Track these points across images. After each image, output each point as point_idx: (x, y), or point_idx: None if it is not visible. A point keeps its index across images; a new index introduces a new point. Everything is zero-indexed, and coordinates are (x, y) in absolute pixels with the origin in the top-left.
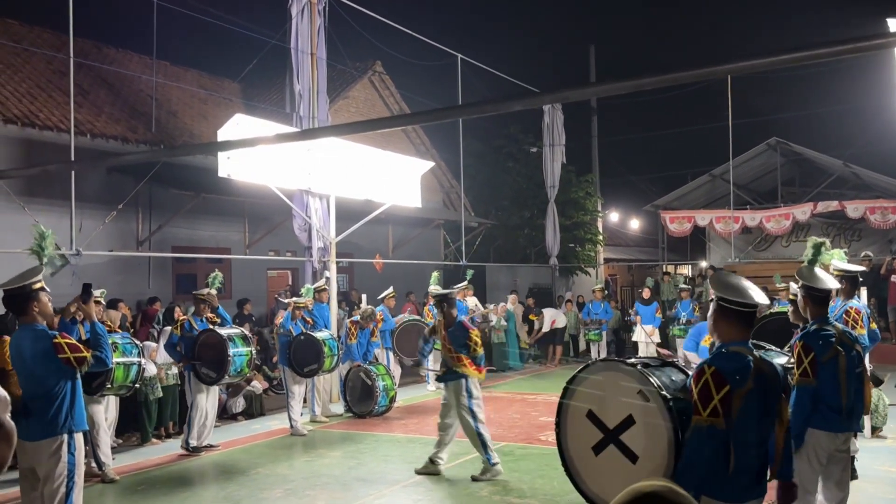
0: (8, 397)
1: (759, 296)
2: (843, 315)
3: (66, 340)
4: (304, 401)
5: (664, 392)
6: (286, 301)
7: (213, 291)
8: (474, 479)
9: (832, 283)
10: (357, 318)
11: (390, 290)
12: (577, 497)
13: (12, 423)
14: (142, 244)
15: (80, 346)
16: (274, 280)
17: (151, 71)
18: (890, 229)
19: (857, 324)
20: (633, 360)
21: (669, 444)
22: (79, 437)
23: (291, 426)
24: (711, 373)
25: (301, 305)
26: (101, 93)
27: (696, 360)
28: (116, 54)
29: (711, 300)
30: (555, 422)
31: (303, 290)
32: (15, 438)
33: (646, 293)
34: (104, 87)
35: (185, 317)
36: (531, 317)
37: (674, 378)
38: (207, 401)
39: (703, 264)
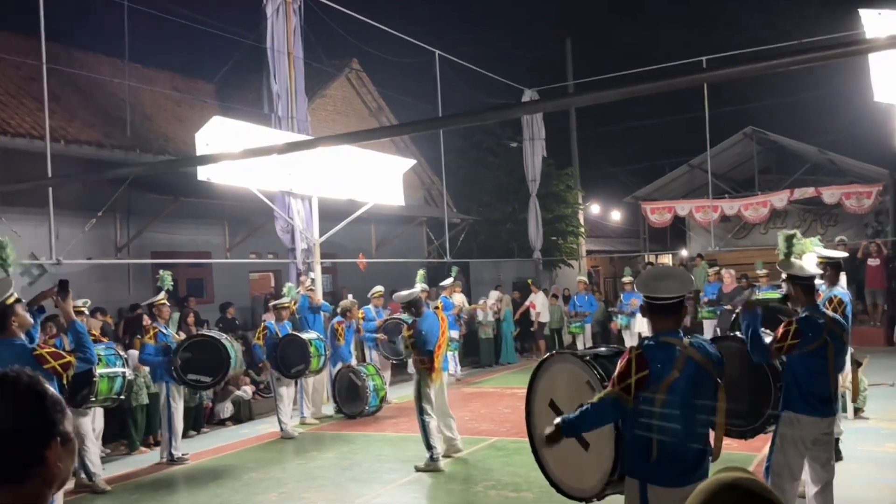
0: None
1: (675, 286)
2: (826, 304)
3: (47, 350)
4: (294, 403)
5: (606, 382)
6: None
7: (163, 297)
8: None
9: (813, 268)
10: (339, 318)
11: (379, 288)
12: None
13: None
14: (121, 251)
15: (62, 352)
16: (256, 283)
17: (123, 74)
18: (865, 214)
19: (839, 312)
20: (584, 351)
21: (610, 430)
22: None
23: (282, 429)
24: (636, 355)
25: (284, 306)
26: (73, 97)
27: None
28: (86, 57)
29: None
30: (525, 411)
31: (285, 290)
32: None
33: (628, 286)
34: (75, 91)
35: (156, 328)
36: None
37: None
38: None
39: (684, 253)
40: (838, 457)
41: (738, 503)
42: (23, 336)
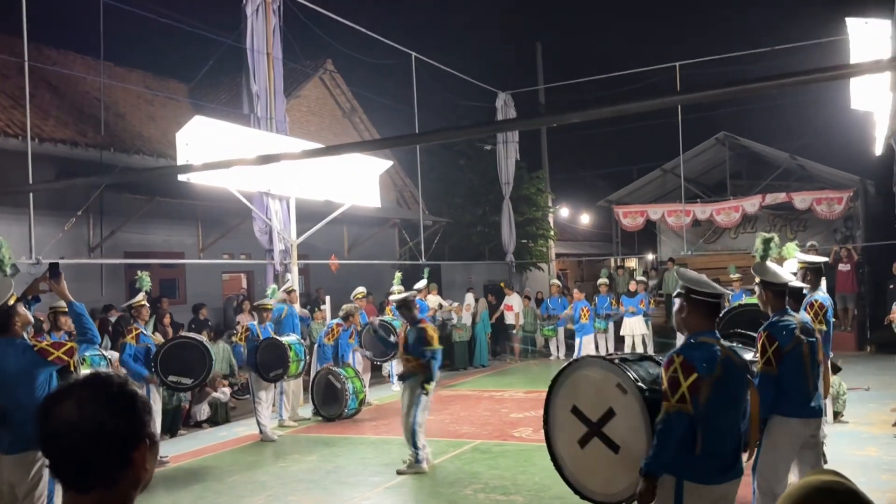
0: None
1: (717, 288)
2: (808, 308)
3: (46, 343)
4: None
5: (640, 384)
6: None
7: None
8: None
9: (786, 276)
10: (339, 319)
11: (361, 289)
12: (560, 491)
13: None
14: (93, 250)
15: (61, 340)
16: (227, 284)
17: (96, 72)
18: (835, 220)
19: (818, 318)
20: (612, 355)
21: (646, 432)
22: None
23: (261, 431)
24: (680, 362)
25: (267, 307)
26: (47, 96)
27: None
28: (58, 55)
29: (678, 293)
30: (543, 418)
31: (268, 291)
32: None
33: (632, 286)
34: (48, 89)
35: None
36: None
37: (651, 371)
38: None
39: (650, 257)
40: (824, 459)
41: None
42: (25, 335)
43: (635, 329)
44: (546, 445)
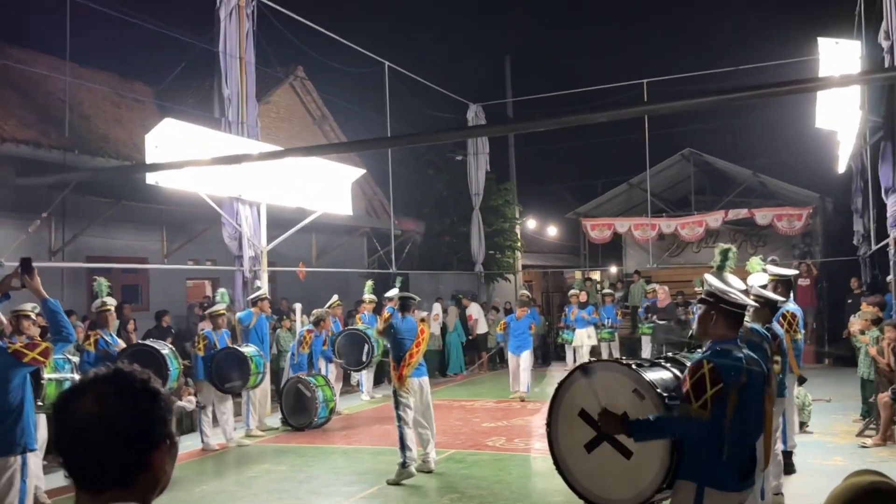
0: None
1: (746, 298)
2: (780, 318)
3: (19, 345)
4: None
5: (659, 390)
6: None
7: (108, 301)
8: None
9: (745, 298)
10: (311, 326)
11: (335, 298)
12: (537, 500)
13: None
14: (55, 254)
15: (35, 341)
16: (192, 290)
17: (61, 72)
18: (794, 235)
19: (792, 328)
20: (625, 360)
21: (664, 441)
22: (31, 459)
23: (203, 441)
24: (709, 369)
25: (220, 313)
26: (9, 95)
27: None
28: (20, 54)
29: (703, 300)
30: (546, 422)
31: (218, 296)
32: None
33: (583, 296)
34: (10, 88)
35: (95, 334)
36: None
37: (663, 377)
38: None
39: (613, 269)
40: (792, 470)
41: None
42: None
43: (584, 340)
44: (549, 450)
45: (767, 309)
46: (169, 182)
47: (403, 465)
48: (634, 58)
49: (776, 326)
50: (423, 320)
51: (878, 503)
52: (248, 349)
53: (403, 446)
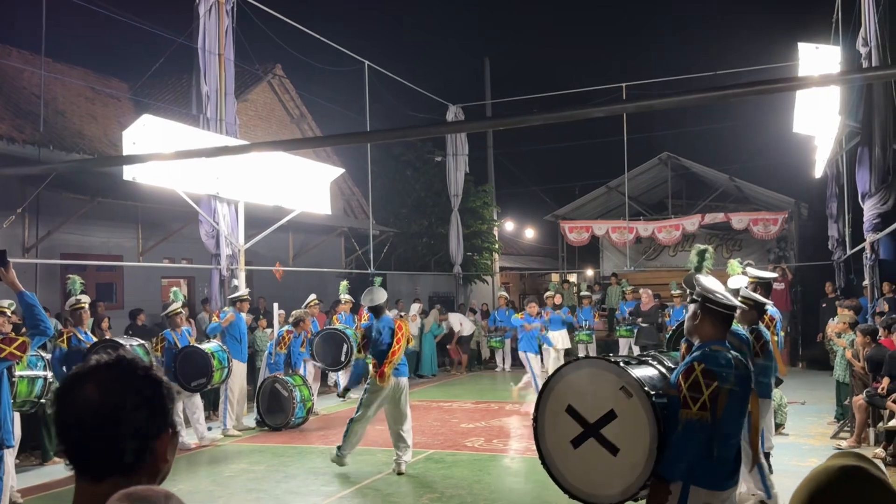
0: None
1: (733, 298)
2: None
3: None
4: (213, 414)
5: (646, 388)
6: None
7: (82, 298)
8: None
9: (732, 299)
10: (290, 326)
11: (312, 297)
12: (516, 499)
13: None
14: (28, 251)
15: (10, 335)
16: (167, 289)
17: (35, 67)
18: (769, 240)
19: (770, 330)
20: (614, 357)
21: (651, 437)
22: (7, 456)
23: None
24: (701, 370)
25: (177, 312)
26: None
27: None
28: None
29: (694, 301)
30: (533, 416)
31: (171, 296)
32: None
33: (557, 299)
34: None
35: (68, 331)
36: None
37: (650, 374)
38: None
39: (590, 272)
40: (769, 470)
41: (859, 490)
42: None
43: (558, 342)
44: (535, 445)
45: (754, 311)
46: (146, 178)
47: (338, 454)
48: (615, 63)
49: (763, 329)
50: (401, 317)
51: (848, 488)
52: (209, 345)
53: (345, 437)
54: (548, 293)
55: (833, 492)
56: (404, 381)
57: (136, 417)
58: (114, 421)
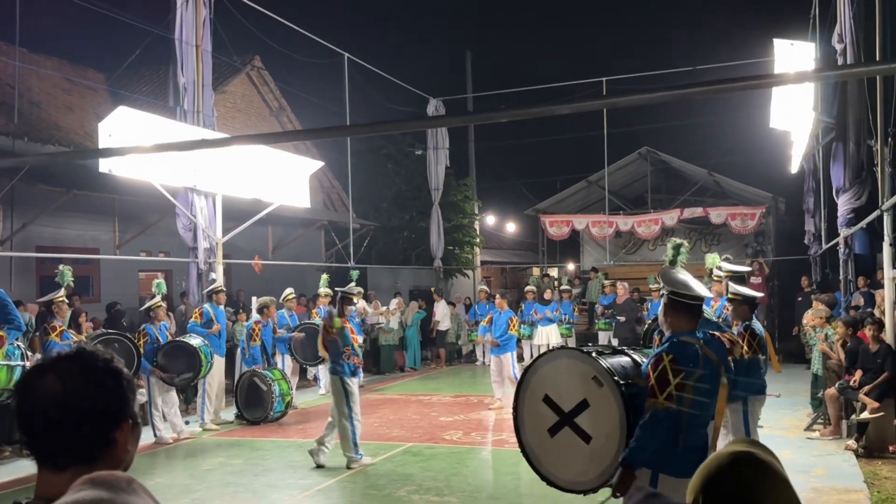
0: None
1: (702, 290)
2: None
3: None
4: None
5: (616, 377)
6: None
7: (63, 294)
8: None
9: (702, 289)
10: (256, 317)
11: (290, 290)
12: (494, 492)
13: None
14: (3, 244)
15: None
16: (144, 282)
17: (10, 57)
18: (747, 234)
19: None
20: (587, 347)
21: (621, 425)
22: None
23: (155, 435)
24: (669, 360)
25: (158, 305)
26: None
27: None
28: None
29: (663, 294)
30: (513, 405)
31: (154, 288)
32: None
33: (547, 294)
34: None
35: (61, 326)
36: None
37: (623, 364)
38: None
39: (570, 266)
40: None
41: (749, 474)
42: None
43: (550, 338)
44: (515, 433)
45: (746, 306)
46: (122, 171)
47: (356, 454)
48: (595, 58)
49: (756, 324)
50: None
51: (739, 473)
52: (195, 340)
53: (355, 444)
54: (528, 288)
55: (724, 477)
56: (336, 378)
57: (97, 407)
58: (74, 411)
